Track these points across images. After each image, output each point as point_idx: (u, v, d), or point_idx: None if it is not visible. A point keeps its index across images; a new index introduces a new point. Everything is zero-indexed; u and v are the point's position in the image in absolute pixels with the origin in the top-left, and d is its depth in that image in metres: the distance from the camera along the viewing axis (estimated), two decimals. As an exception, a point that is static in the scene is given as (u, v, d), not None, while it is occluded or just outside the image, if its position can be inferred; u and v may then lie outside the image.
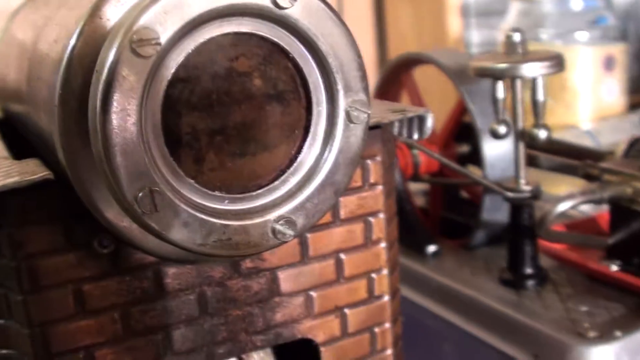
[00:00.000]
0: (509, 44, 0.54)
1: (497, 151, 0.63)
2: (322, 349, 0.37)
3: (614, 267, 0.56)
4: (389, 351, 0.39)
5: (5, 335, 0.32)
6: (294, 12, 0.28)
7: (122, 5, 0.28)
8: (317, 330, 0.37)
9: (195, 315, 0.34)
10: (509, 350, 0.52)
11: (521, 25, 1.24)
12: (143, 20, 0.26)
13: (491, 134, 0.57)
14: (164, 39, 0.26)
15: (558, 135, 1.12)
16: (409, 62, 0.73)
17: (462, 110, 0.68)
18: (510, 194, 0.55)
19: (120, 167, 0.26)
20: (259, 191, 0.30)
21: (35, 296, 0.31)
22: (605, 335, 0.48)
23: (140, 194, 0.27)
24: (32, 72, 0.34)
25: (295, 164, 0.31)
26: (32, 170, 0.30)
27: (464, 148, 0.73)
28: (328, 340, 0.37)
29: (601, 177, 0.56)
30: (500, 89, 0.55)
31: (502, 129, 0.56)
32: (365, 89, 0.30)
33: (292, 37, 0.29)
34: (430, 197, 0.73)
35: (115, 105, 0.26)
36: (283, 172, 0.31)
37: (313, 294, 0.36)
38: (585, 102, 1.25)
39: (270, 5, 0.28)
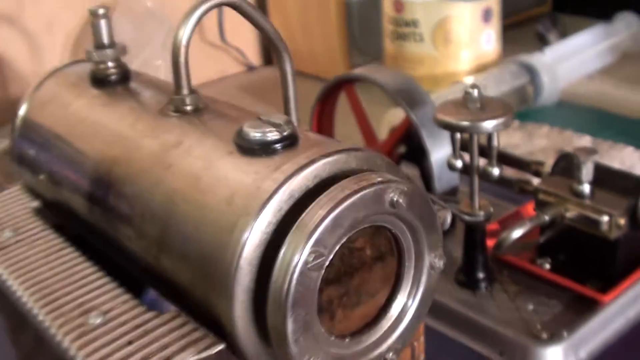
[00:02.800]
0: (468, 97, 0.64)
1: (441, 166, 0.75)
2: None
3: (546, 266, 0.70)
4: (422, 356, 0.50)
5: None
6: (403, 207, 0.37)
7: (287, 200, 0.36)
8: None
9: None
10: (477, 347, 0.65)
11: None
12: (315, 242, 0.34)
13: (449, 167, 0.68)
14: (327, 254, 0.35)
15: (446, 91, 1.26)
16: (348, 80, 0.82)
17: (407, 127, 0.78)
18: (467, 217, 0.67)
19: (297, 350, 0.35)
20: (370, 330, 0.40)
21: None
22: (554, 335, 0.62)
23: (309, 367, 0.36)
24: (174, 210, 0.39)
25: (393, 303, 0.40)
26: (198, 337, 0.38)
27: (401, 149, 0.84)
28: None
29: (536, 195, 0.69)
30: (458, 135, 0.66)
31: (458, 164, 0.67)
32: (441, 242, 0.40)
33: (397, 219, 0.38)
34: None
35: (296, 313, 0.34)
36: (383, 309, 0.40)
37: None
38: (467, 53, 1.39)
39: (389, 208, 0.37)
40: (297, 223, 0.35)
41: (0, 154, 1.00)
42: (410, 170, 0.85)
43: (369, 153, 0.39)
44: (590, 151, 0.66)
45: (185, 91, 0.44)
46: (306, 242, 0.34)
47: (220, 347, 0.37)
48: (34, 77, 1.14)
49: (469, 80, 1.30)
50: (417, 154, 0.80)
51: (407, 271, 0.40)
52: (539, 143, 1.24)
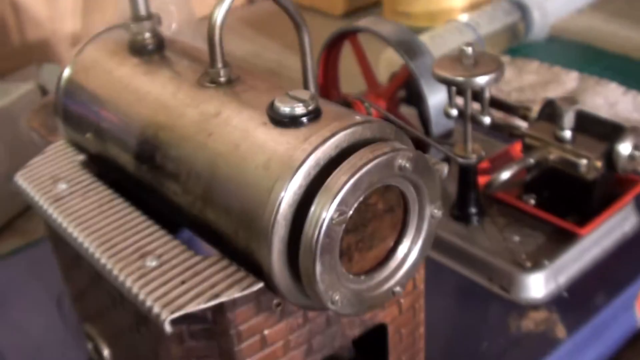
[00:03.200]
0: (463, 54, 0.71)
1: (438, 111, 0.82)
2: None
3: (532, 201, 0.78)
4: (422, 286, 0.58)
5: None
6: (409, 170, 0.45)
7: (315, 167, 0.43)
8: (387, 317, 0.57)
9: (324, 328, 0.52)
10: (469, 274, 0.74)
11: None
12: (339, 202, 0.42)
13: (445, 115, 0.75)
14: (348, 211, 0.43)
15: (440, 30, 1.32)
16: (353, 31, 0.88)
17: (407, 74, 0.85)
18: (461, 160, 0.75)
19: (324, 287, 0.44)
20: (381, 268, 0.48)
21: (240, 347, 0.48)
22: (537, 264, 0.71)
23: (335, 298, 0.44)
24: (217, 172, 0.47)
25: (399, 246, 0.49)
26: (241, 277, 0.46)
27: (402, 93, 0.91)
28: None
29: (523, 139, 0.77)
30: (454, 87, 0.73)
31: (453, 112, 0.74)
32: (440, 195, 0.48)
33: (404, 179, 0.46)
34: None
35: (322, 258, 0.43)
36: (391, 251, 0.49)
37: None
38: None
39: (397, 171, 0.44)
40: (323, 186, 0.43)
41: (30, 101, 1.06)
42: (409, 111, 0.92)
43: (381, 123, 0.46)
44: (572, 101, 0.73)
45: (219, 65, 0.51)
46: (332, 202, 0.42)
47: (260, 285, 0.45)
48: (49, 22, 1.20)
49: (463, 18, 1.36)
50: (415, 98, 0.87)
51: (412, 220, 0.48)
52: (528, 79, 1.31)
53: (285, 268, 0.45)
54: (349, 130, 0.45)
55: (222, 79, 0.52)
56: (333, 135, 0.44)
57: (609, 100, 1.20)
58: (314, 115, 0.46)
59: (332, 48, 0.91)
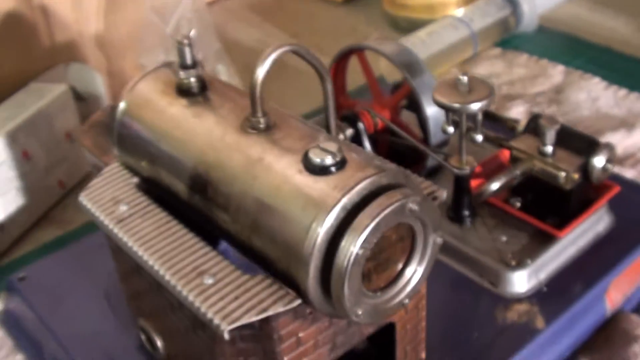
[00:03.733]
0: (459, 82, 0.82)
1: (436, 123, 0.93)
2: (397, 324, 0.69)
3: (517, 204, 0.90)
4: (424, 290, 0.71)
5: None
6: (417, 211, 0.56)
7: (342, 210, 0.54)
8: (395, 317, 0.69)
9: (345, 329, 0.64)
10: (463, 271, 0.86)
11: None
12: (363, 242, 0.53)
13: (442, 131, 0.86)
14: (370, 247, 0.54)
15: (436, 25, 1.42)
16: (358, 49, 0.99)
17: (409, 88, 0.96)
18: (456, 171, 0.86)
19: (350, 305, 0.55)
20: (393, 285, 0.60)
21: (280, 347, 0.60)
22: (521, 262, 0.83)
23: (359, 312, 0.56)
24: (262, 210, 0.58)
25: (408, 267, 0.60)
26: (283, 294, 0.57)
27: (404, 102, 1.02)
28: (400, 319, 0.69)
29: (512, 152, 0.88)
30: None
31: (450, 130, 0.85)
32: (440, 225, 0.60)
33: (412, 217, 0.57)
34: (379, 147, 1.02)
35: (350, 283, 0.54)
36: (401, 271, 0.60)
37: (394, 301, 0.67)
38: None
39: (408, 213, 0.56)
40: (350, 227, 0.54)
41: (63, 102, 1.16)
42: (410, 116, 1.03)
43: (396, 171, 0.57)
44: (554, 121, 0.84)
45: (259, 114, 0.62)
46: (357, 241, 0.53)
47: (299, 301, 0.57)
48: (75, 24, 1.29)
49: (458, 13, 1.46)
50: (416, 106, 0.97)
51: (418, 246, 0.60)
52: (517, 72, 1.41)
53: (319, 288, 0.56)
54: (370, 179, 0.56)
55: (262, 126, 0.62)
56: (357, 184, 0.55)
57: (592, 95, 1.31)
58: (340, 165, 0.57)
59: (340, 62, 1.01)
